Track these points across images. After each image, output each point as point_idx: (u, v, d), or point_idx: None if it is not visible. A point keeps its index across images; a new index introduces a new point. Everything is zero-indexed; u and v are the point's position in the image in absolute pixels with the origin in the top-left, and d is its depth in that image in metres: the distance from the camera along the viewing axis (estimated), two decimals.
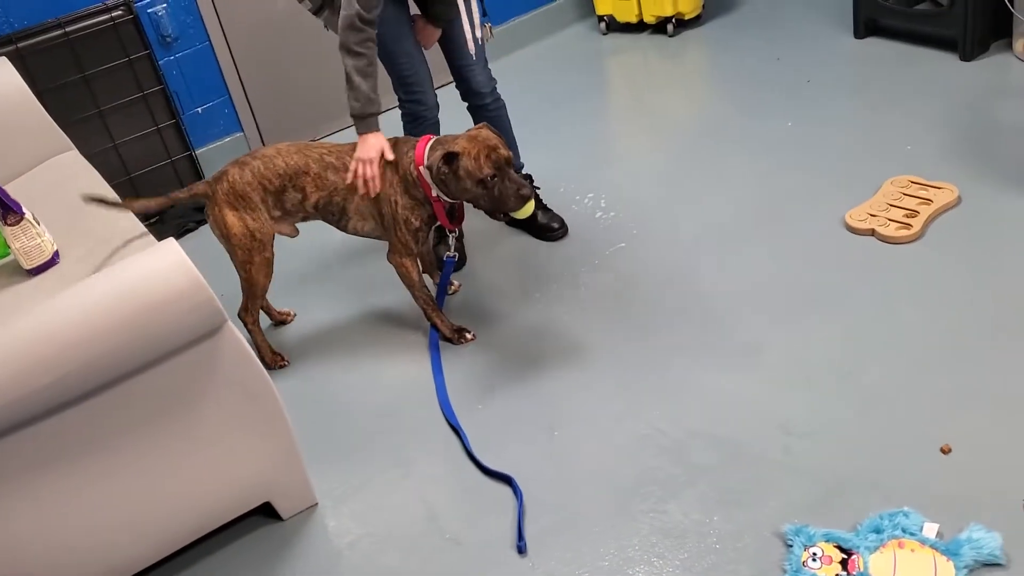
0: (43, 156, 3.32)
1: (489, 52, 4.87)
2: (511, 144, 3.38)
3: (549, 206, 3.47)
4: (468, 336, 3.02)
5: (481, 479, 2.51)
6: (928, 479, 2.22)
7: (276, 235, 2.95)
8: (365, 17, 2.70)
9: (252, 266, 2.90)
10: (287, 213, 2.91)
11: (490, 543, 2.32)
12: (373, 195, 2.82)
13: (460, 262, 3.36)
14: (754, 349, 2.72)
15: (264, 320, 3.24)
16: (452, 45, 3.19)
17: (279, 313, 3.31)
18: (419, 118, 3.21)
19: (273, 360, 3.08)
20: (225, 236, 2.87)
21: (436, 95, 3.22)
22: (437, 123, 3.26)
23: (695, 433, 2.49)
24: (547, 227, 3.42)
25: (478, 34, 3.11)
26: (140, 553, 2.28)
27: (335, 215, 2.93)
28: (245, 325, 3.04)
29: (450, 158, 2.68)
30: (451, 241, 2.98)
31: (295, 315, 3.32)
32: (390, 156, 2.81)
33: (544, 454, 2.54)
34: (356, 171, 2.79)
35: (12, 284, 2.69)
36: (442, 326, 3.01)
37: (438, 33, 3.18)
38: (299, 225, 3.01)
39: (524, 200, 2.68)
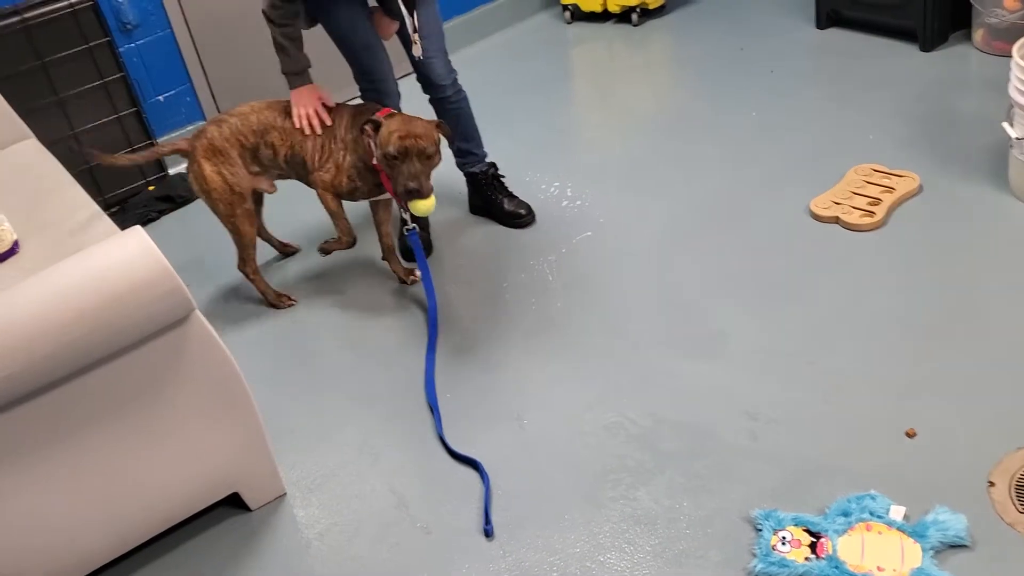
0: (1, 145, 3.26)
1: (453, 41, 4.86)
2: (471, 135, 3.37)
3: (515, 194, 3.46)
4: (418, 274, 3.18)
5: (450, 467, 2.50)
6: (894, 463, 2.25)
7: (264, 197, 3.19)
8: None
9: (235, 218, 3.00)
10: (264, 168, 3.03)
11: (460, 531, 2.32)
12: (320, 129, 2.92)
13: (426, 249, 3.35)
14: (720, 337, 2.74)
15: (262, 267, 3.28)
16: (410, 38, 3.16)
17: (283, 244, 3.45)
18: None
19: (279, 300, 3.20)
20: (205, 191, 2.96)
21: (397, 84, 3.24)
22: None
23: (663, 420, 2.50)
24: (514, 214, 3.42)
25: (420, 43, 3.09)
26: (106, 545, 2.25)
27: (301, 166, 3.00)
28: (247, 276, 3.17)
29: (376, 125, 2.82)
30: (406, 216, 2.97)
31: (300, 248, 3.48)
32: (330, 103, 2.96)
33: (513, 443, 2.54)
34: (300, 116, 2.93)
35: None
36: (398, 268, 3.20)
37: (396, 25, 3.17)
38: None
39: (409, 194, 2.74)
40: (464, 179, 3.49)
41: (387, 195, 2.97)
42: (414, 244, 2.99)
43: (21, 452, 2.01)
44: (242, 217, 3.01)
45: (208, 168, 2.93)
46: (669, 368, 2.67)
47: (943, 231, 2.97)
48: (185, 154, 2.98)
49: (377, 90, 3.17)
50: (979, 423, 2.31)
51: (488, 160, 3.45)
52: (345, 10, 3.01)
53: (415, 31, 3.00)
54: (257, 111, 2.98)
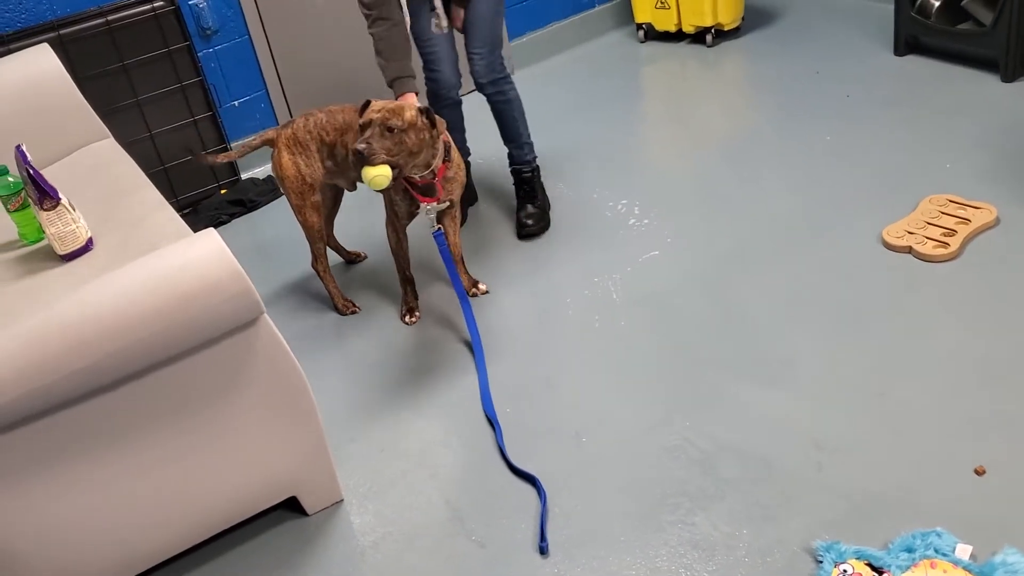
0: (80, 143, 3.34)
1: (526, 56, 4.89)
2: (511, 137, 3.48)
3: (581, 211, 3.49)
4: (481, 287, 3.25)
5: (507, 482, 2.49)
6: (962, 500, 2.19)
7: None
8: (365, 2, 3.05)
9: (305, 208, 3.11)
10: (339, 167, 3.09)
11: (515, 547, 2.31)
12: None
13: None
14: (787, 364, 2.69)
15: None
16: (465, 27, 3.33)
17: (349, 253, 3.55)
18: (436, 95, 3.36)
19: (345, 306, 3.27)
20: (280, 177, 3.10)
21: (457, 76, 3.35)
22: (456, 103, 3.40)
23: (726, 446, 2.47)
24: (521, 222, 3.52)
25: (443, 24, 3.25)
26: (167, 542, 2.28)
27: None
28: (318, 274, 3.26)
29: (366, 103, 2.84)
30: (430, 216, 2.99)
31: (366, 256, 3.56)
32: None
33: (571, 461, 2.52)
34: None
35: (46, 269, 2.70)
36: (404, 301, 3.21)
37: (462, 12, 3.31)
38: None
39: (357, 155, 2.69)
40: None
41: (426, 205, 2.96)
42: (440, 245, 3.00)
43: (88, 446, 2.05)
44: (310, 208, 3.10)
45: (286, 156, 3.06)
46: (734, 393, 2.63)
47: (1019, 265, 2.89)
48: (271, 143, 3.12)
49: (433, 79, 3.33)
50: None
51: (526, 160, 3.54)
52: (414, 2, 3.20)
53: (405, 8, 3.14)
54: (345, 111, 3.06)
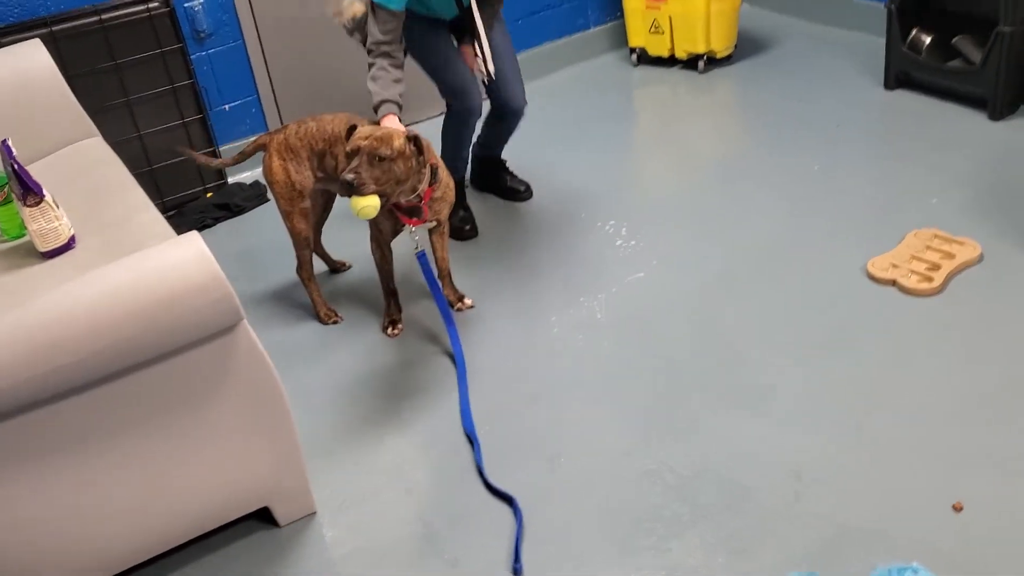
0: (68, 140, 3.31)
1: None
2: (504, 143, 3.74)
3: (569, 230, 3.51)
4: (467, 302, 3.25)
5: (482, 501, 2.47)
6: (939, 535, 2.19)
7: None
8: (380, 39, 3.03)
9: (293, 214, 3.09)
10: (328, 177, 3.07)
11: (488, 567, 2.29)
12: None
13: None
14: (768, 391, 2.69)
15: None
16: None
17: (335, 261, 3.56)
18: (465, 121, 3.42)
19: (327, 315, 3.27)
20: (270, 182, 3.09)
21: (481, 99, 3.42)
22: (472, 129, 3.49)
23: (703, 473, 2.46)
24: (514, 190, 3.84)
25: (490, 67, 3.28)
26: (135, 548, 2.25)
27: None
28: (302, 280, 3.26)
29: (351, 129, 2.81)
30: (415, 237, 2.97)
31: (351, 266, 3.56)
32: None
33: (547, 482, 2.51)
34: None
35: (25, 266, 2.68)
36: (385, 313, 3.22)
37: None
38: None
39: (346, 186, 2.64)
40: (474, 161, 3.88)
41: (411, 227, 2.94)
42: (422, 265, 2.99)
43: (60, 447, 2.02)
44: (299, 215, 3.09)
45: (276, 162, 3.05)
46: (714, 419, 2.62)
47: (1002, 302, 2.90)
48: (264, 148, 3.11)
49: (468, 108, 3.37)
50: None
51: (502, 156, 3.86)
52: (430, 36, 3.26)
53: (477, 55, 3.22)
54: (335, 122, 3.03)
